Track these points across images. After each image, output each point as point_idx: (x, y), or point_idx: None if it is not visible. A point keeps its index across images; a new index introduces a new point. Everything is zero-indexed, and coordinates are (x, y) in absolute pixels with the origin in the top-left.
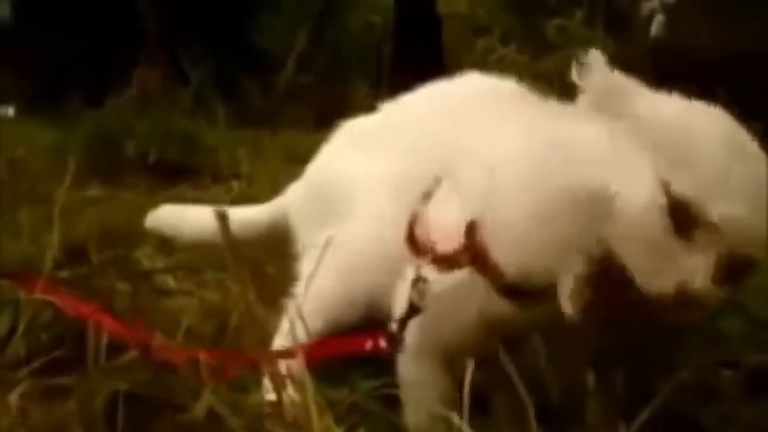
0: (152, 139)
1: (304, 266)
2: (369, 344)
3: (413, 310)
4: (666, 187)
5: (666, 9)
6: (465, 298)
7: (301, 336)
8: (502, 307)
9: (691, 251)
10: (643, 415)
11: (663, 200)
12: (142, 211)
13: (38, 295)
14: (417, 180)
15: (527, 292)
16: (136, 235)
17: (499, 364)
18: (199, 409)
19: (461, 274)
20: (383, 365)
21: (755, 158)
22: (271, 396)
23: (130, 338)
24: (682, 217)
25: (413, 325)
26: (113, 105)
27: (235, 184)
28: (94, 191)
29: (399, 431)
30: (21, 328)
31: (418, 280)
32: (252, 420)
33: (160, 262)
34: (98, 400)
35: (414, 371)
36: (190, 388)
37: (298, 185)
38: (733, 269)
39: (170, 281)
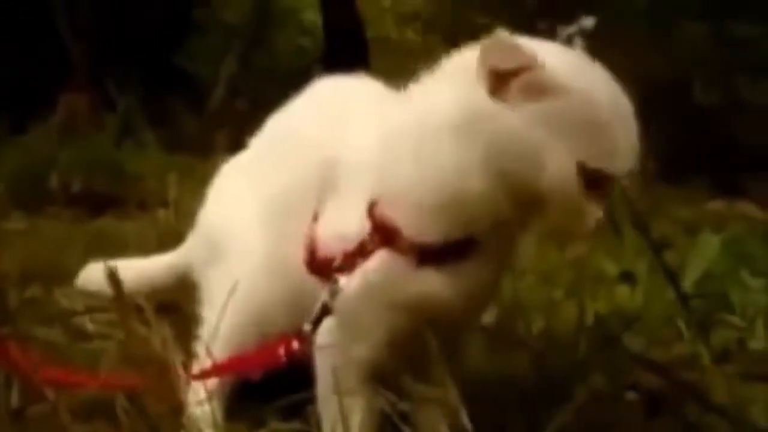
0: (76, 168)
1: (204, 309)
2: (282, 350)
3: (325, 310)
4: (580, 166)
5: (584, 35)
6: (385, 286)
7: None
8: (424, 282)
9: (595, 199)
10: None
11: (578, 176)
12: (65, 245)
13: None
14: (298, 202)
15: (443, 253)
16: (58, 272)
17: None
18: None
19: (376, 264)
20: (299, 407)
21: (630, 114)
22: None
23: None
24: (592, 179)
25: (336, 330)
26: (38, 131)
27: (161, 213)
28: (15, 223)
29: None
30: None
31: (331, 284)
32: None
33: (79, 303)
34: None
35: (339, 378)
36: None
37: (194, 232)
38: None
39: (89, 324)
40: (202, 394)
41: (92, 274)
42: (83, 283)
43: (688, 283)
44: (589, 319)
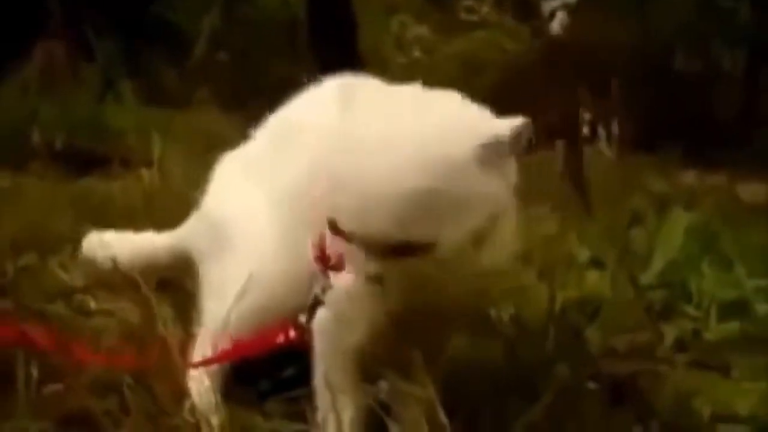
0: (58, 124)
1: (206, 298)
2: (281, 338)
3: (316, 303)
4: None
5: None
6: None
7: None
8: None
9: None
10: None
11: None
12: (53, 208)
13: None
14: (306, 199)
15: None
16: (49, 237)
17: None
18: None
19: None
20: (293, 398)
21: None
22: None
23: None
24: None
25: (326, 321)
26: (15, 82)
27: (145, 173)
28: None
29: None
30: None
31: (322, 279)
32: None
33: (77, 275)
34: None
35: (329, 369)
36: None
37: (195, 218)
38: None
39: (90, 301)
40: (204, 380)
41: (93, 244)
42: (86, 252)
43: (653, 271)
44: (558, 306)
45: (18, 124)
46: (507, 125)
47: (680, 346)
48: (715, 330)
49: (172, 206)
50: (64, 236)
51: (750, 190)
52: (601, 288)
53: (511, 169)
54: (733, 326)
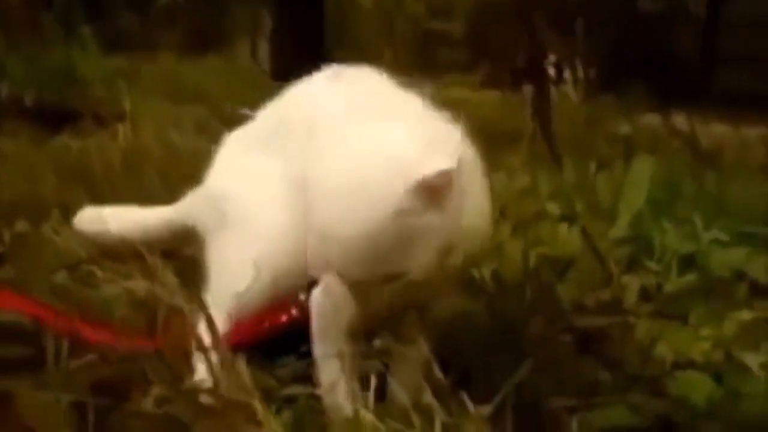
0: (26, 78)
1: (212, 275)
2: (284, 317)
3: (313, 281)
4: None
5: None
6: None
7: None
8: None
9: None
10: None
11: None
12: (35, 170)
13: None
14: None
15: None
16: (36, 202)
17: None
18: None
19: None
20: (301, 357)
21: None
22: (207, 381)
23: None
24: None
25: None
26: None
27: (119, 128)
28: None
29: (317, 412)
30: None
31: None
32: (193, 405)
33: (67, 236)
34: (63, 401)
35: (328, 344)
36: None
37: (199, 194)
38: None
39: (97, 271)
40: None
41: (87, 218)
42: (80, 226)
43: (620, 226)
44: (532, 262)
45: None
46: (437, 167)
47: (644, 296)
48: (675, 282)
49: (146, 160)
50: (50, 201)
51: (710, 133)
52: (572, 243)
53: (456, 198)
54: (690, 278)
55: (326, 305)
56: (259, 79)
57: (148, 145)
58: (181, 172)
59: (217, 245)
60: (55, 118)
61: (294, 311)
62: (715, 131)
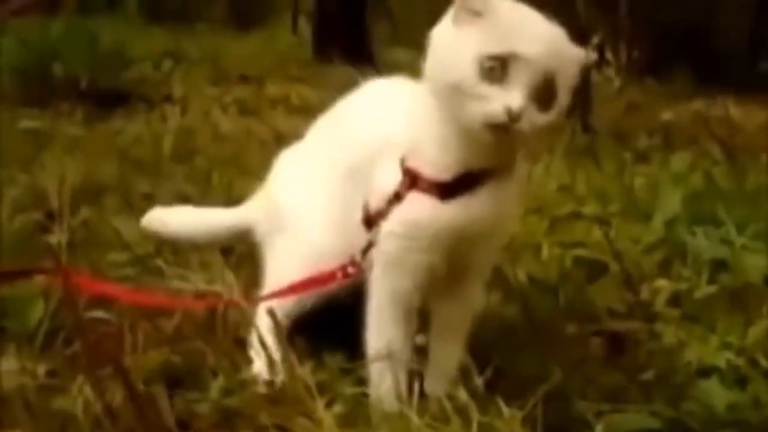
0: (80, 58)
1: (269, 267)
2: (339, 274)
3: (369, 245)
4: (482, 55)
5: None
6: (415, 220)
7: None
8: (446, 212)
9: (507, 88)
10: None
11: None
12: (94, 154)
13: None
14: (356, 177)
15: (455, 186)
16: (98, 187)
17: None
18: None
19: (406, 204)
20: (354, 350)
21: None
22: (263, 376)
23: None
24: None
25: (378, 262)
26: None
27: (168, 111)
28: (31, 121)
29: (366, 405)
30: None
31: (373, 225)
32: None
33: (125, 223)
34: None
35: (382, 308)
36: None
37: (260, 203)
38: (543, 96)
39: (162, 264)
40: (266, 322)
41: (156, 218)
42: (148, 226)
43: (655, 228)
44: (567, 264)
45: (41, 61)
46: None
47: (674, 302)
48: (705, 288)
49: (194, 143)
50: (110, 185)
51: (754, 119)
52: (606, 245)
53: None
54: (720, 284)
55: (384, 268)
56: (301, 57)
57: (196, 127)
58: (227, 154)
59: (274, 249)
60: (107, 100)
61: (350, 268)
62: (761, 118)
